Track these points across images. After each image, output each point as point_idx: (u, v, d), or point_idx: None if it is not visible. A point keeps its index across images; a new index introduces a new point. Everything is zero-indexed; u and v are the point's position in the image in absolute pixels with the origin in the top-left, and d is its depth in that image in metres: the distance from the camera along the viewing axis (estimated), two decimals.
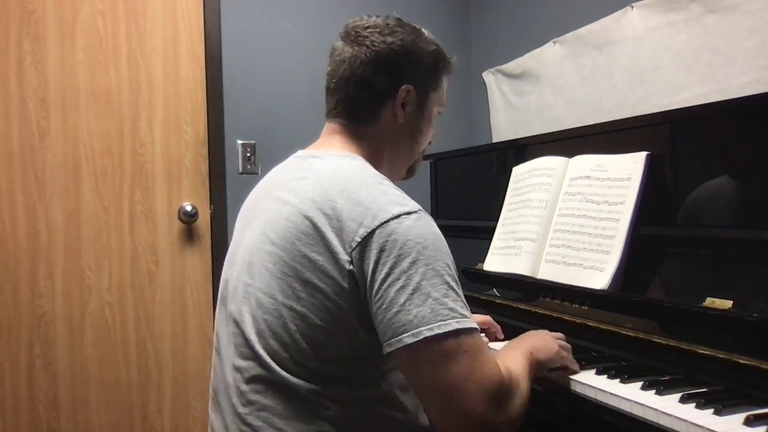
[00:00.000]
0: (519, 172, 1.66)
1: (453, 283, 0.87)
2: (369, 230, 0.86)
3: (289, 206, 0.94)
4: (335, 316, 0.88)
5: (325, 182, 0.93)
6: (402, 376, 0.95)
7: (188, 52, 2.25)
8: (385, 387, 0.95)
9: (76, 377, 2.12)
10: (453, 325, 0.83)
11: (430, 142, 1.16)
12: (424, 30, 1.09)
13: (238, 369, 0.95)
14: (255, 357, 0.93)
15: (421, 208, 0.91)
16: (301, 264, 0.89)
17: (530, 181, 1.58)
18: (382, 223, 0.86)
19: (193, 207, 2.24)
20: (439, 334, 0.82)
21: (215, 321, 1.09)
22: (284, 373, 0.90)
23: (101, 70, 2.14)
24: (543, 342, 1.07)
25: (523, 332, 1.16)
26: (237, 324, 0.97)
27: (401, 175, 1.14)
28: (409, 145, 1.09)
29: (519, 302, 1.49)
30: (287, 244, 0.91)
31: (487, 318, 1.40)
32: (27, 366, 2.06)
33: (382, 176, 0.97)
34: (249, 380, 0.93)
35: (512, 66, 2.38)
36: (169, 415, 2.24)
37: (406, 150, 1.09)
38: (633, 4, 1.80)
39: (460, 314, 0.85)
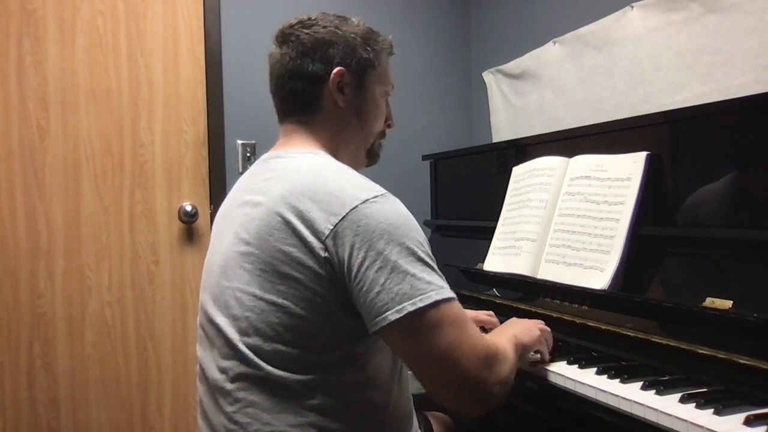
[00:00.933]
0: (519, 172, 1.66)
1: (427, 259, 0.91)
2: (340, 217, 0.88)
3: (260, 206, 0.96)
4: (315, 304, 0.90)
5: (291, 179, 0.96)
6: (385, 360, 0.99)
7: (188, 52, 2.25)
8: (369, 371, 0.96)
9: (76, 377, 2.11)
10: (433, 297, 0.87)
11: (389, 125, 1.16)
12: (353, 18, 1.11)
13: (222, 370, 0.96)
14: (238, 355, 0.94)
15: (386, 191, 0.94)
16: (277, 258, 0.91)
17: (530, 181, 1.58)
18: (352, 209, 0.89)
19: (193, 207, 2.24)
20: (421, 308, 0.86)
21: (197, 338, 1.09)
22: (269, 368, 0.92)
23: (101, 70, 2.14)
24: (525, 327, 1.12)
25: None
26: (216, 327, 0.98)
27: (362, 161, 1.15)
28: (358, 127, 1.09)
29: (519, 302, 1.50)
30: (261, 241, 0.93)
31: (492, 319, 1.40)
32: (27, 366, 2.06)
33: (345, 166, 1.00)
34: (234, 379, 0.94)
35: (512, 66, 2.38)
36: (169, 415, 2.24)
37: (356, 133, 1.10)
38: (633, 4, 1.80)
39: (438, 286, 0.89)
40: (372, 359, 0.97)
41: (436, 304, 0.87)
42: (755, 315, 0.98)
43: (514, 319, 1.18)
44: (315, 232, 0.89)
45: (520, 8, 2.39)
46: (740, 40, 1.50)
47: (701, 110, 1.29)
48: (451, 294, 0.90)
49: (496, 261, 1.60)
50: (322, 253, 0.89)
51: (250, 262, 0.95)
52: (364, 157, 1.15)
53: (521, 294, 1.52)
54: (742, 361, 0.96)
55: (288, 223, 0.91)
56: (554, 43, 2.14)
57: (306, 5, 2.40)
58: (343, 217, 0.88)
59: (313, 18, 1.08)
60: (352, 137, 1.10)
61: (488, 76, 2.54)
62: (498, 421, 1.63)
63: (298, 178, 0.95)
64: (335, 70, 1.04)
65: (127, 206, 2.18)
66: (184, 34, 2.24)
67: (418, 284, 0.87)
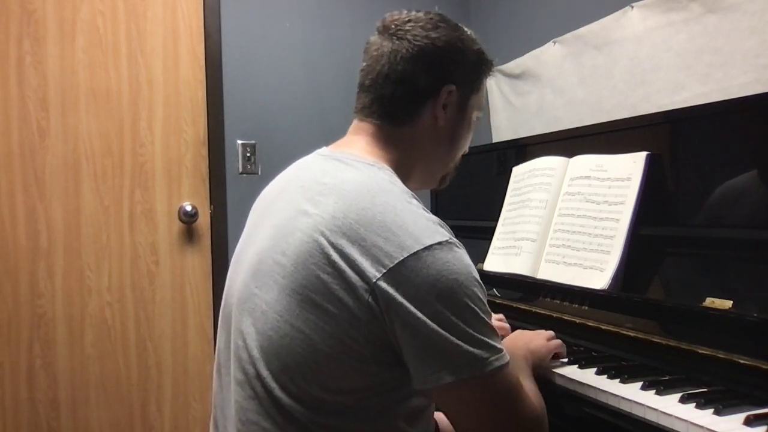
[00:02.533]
0: (519, 172, 1.66)
1: (486, 319, 0.83)
2: (396, 261, 0.78)
3: (307, 218, 0.86)
4: (345, 346, 0.81)
5: (347, 198, 0.85)
6: (408, 407, 0.90)
7: (188, 52, 2.25)
8: (389, 420, 0.88)
9: (76, 377, 2.12)
10: (494, 363, 0.81)
11: (465, 151, 1.08)
12: (466, 28, 1.01)
13: (239, 383, 0.89)
14: (257, 374, 0.87)
15: (450, 236, 0.85)
16: (313, 285, 0.81)
17: (530, 181, 1.58)
18: (411, 255, 0.79)
19: (193, 207, 2.24)
20: (479, 375, 0.80)
21: (217, 335, 1.03)
22: (283, 396, 0.84)
23: (101, 70, 2.14)
24: (538, 347, 1.10)
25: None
26: (242, 336, 0.90)
27: (435, 183, 1.07)
28: (447, 149, 1.01)
29: (519, 302, 1.49)
30: (299, 261, 0.83)
31: (503, 324, 1.35)
32: (27, 366, 2.06)
33: (410, 193, 0.89)
34: (249, 397, 0.87)
35: (512, 66, 2.37)
36: (169, 415, 2.24)
37: (443, 155, 1.01)
38: (633, 4, 1.80)
39: (497, 350, 0.82)
40: (395, 407, 0.88)
41: (497, 371, 0.81)
42: (755, 315, 0.98)
43: (517, 339, 1.14)
44: (362, 271, 0.79)
45: (520, 8, 2.39)
46: (740, 40, 1.50)
47: (701, 110, 1.29)
48: (507, 359, 0.83)
49: (496, 261, 1.60)
50: (366, 296, 0.79)
51: (282, 276, 0.85)
52: (438, 180, 1.06)
53: (521, 294, 1.52)
54: (742, 361, 0.95)
55: (334, 251, 0.81)
56: (554, 43, 2.14)
57: (306, 5, 2.42)
58: (400, 262, 0.78)
59: (433, 18, 0.95)
60: (438, 159, 1.01)
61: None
62: None
63: (355, 198, 0.84)
64: (446, 87, 0.94)
65: (127, 206, 2.18)
66: (184, 34, 2.24)
67: (477, 349, 0.79)
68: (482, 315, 0.82)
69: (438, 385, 0.80)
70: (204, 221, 2.27)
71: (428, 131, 0.96)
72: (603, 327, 1.23)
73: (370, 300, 0.79)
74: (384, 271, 0.78)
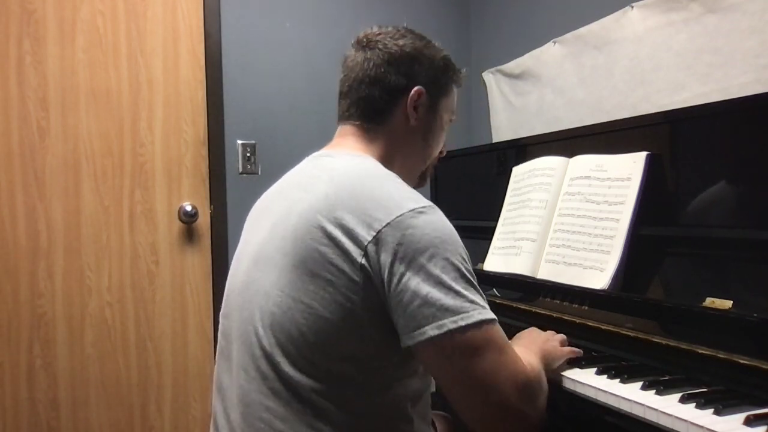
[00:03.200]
0: (519, 172, 1.66)
1: (470, 277, 0.88)
2: (384, 224, 0.86)
3: (302, 203, 0.94)
4: (345, 310, 0.87)
5: (338, 180, 0.94)
6: (411, 388, 0.95)
7: (188, 53, 2.25)
8: (393, 397, 0.93)
9: (76, 377, 2.12)
10: (476, 316, 0.84)
11: (441, 152, 1.17)
12: (435, 42, 1.11)
13: (244, 367, 0.94)
14: (263, 353, 0.91)
15: (433, 204, 0.91)
16: (311, 257, 0.88)
17: (530, 181, 1.58)
18: (397, 217, 0.86)
19: (193, 207, 2.24)
20: (463, 326, 0.83)
21: (220, 325, 1.08)
22: (289, 369, 0.89)
23: (101, 70, 2.14)
24: (551, 356, 1.09)
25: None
26: (247, 320, 0.95)
27: (414, 180, 1.14)
28: (421, 147, 1.10)
29: (519, 302, 1.49)
30: (297, 238, 0.91)
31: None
32: (27, 366, 2.06)
33: (393, 174, 0.97)
34: (254, 378, 0.92)
35: (512, 66, 2.38)
36: (169, 415, 2.24)
37: (418, 152, 1.10)
38: (633, 4, 1.80)
39: (481, 306, 0.86)
40: (396, 385, 0.93)
41: (479, 324, 0.84)
42: (755, 315, 0.98)
43: (533, 334, 1.15)
44: (355, 237, 0.86)
45: (520, 8, 2.39)
46: (740, 40, 1.50)
47: (701, 110, 1.29)
48: (493, 316, 0.87)
49: (496, 261, 1.60)
50: (360, 259, 0.86)
51: (282, 256, 0.92)
52: (417, 177, 1.14)
53: (521, 294, 1.52)
54: (742, 361, 0.95)
55: (329, 223, 0.88)
56: (554, 43, 2.14)
57: (306, 5, 2.42)
58: (387, 224, 0.86)
59: (401, 31, 1.07)
60: (413, 155, 1.10)
61: (488, 76, 2.54)
62: None
63: (345, 179, 0.94)
64: (416, 88, 1.04)
65: (127, 206, 2.18)
66: (184, 34, 2.24)
67: (461, 302, 0.84)
68: (465, 273, 0.87)
69: (423, 339, 0.83)
70: (204, 221, 2.27)
71: (402, 129, 1.06)
72: (603, 327, 1.23)
73: (363, 262, 0.85)
74: (374, 234, 0.85)
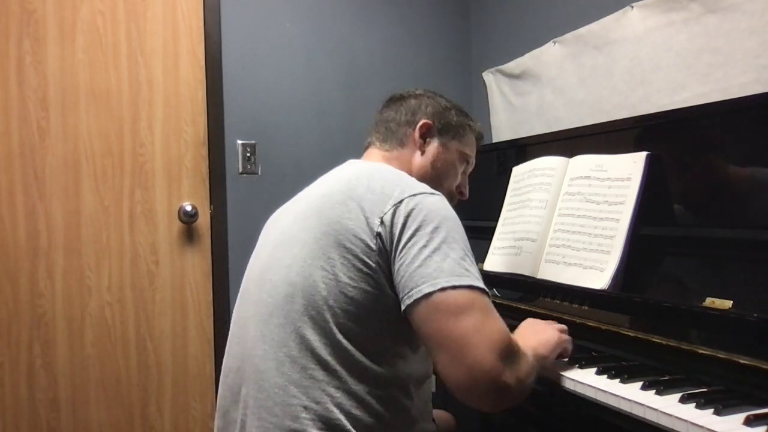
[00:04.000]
0: (519, 172, 1.66)
1: (469, 254, 0.97)
2: (398, 200, 0.97)
3: (325, 187, 1.08)
4: (363, 273, 0.96)
5: (359, 171, 1.08)
6: (414, 368, 1.02)
7: (188, 53, 2.25)
8: (400, 373, 1.00)
9: (76, 377, 2.12)
10: (468, 281, 0.92)
11: (461, 192, 1.30)
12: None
13: (261, 337, 1.00)
14: (283, 321, 0.98)
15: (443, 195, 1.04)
16: (334, 229, 0.98)
17: (530, 181, 1.58)
18: (410, 196, 0.98)
19: (193, 207, 2.24)
20: (456, 285, 0.90)
21: (235, 312, 1.14)
22: (310, 334, 0.96)
23: (101, 70, 2.14)
24: (545, 340, 1.10)
25: None
26: (267, 293, 1.03)
27: None
28: (430, 173, 1.22)
29: (519, 302, 1.49)
30: (321, 214, 1.01)
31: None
32: (27, 366, 2.06)
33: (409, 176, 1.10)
34: (271, 347, 0.98)
35: (512, 66, 2.38)
36: (169, 415, 2.24)
37: (428, 177, 1.20)
38: (633, 4, 1.80)
39: (476, 277, 0.94)
40: (404, 364, 1.00)
41: (471, 287, 0.92)
42: (755, 315, 0.98)
43: (530, 322, 1.18)
44: (375, 209, 0.97)
45: (520, 8, 2.39)
46: (740, 40, 1.50)
47: (701, 110, 1.29)
48: (485, 287, 0.94)
49: (496, 261, 1.60)
50: (376, 227, 0.96)
51: (306, 232, 1.02)
52: None
53: (521, 294, 1.52)
54: (742, 361, 0.96)
55: (351, 200, 1.00)
56: (554, 43, 2.14)
57: (306, 5, 2.42)
58: (402, 200, 0.97)
59: (419, 89, 1.29)
60: (423, 179, 1.16)
61: (488, 76, 2.54)
62: (497, 420, 1.64)
63: (366, 171, 1.07)
64: (422, 121, 1.22)
65: (127, 206, 2.18)
66: (184, 34, 2.24)
67: (456, 267, 0.92)
68: (465, 249, 0.96)
69: (419, 296, 0.91)
70: (204, 221, 2.27)
71: (413, 156, 1.22)
72: (603, 327, 1.23)
73: (379, 230, 0.96)
74: (390, 206, 0.97)
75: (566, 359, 1.16)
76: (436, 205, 0.98)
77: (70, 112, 2.11)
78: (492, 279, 1.59)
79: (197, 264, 2.27)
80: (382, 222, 0.96)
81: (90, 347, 2.13)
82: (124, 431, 2.18)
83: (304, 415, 0.93)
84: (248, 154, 2.33)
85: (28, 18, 2.05)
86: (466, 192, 1.32)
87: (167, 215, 2.23)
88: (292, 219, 1.09)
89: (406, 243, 0.94)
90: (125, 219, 2.18)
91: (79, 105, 2.12)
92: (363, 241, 0.96)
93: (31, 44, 2.06)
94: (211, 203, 2.28)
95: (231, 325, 1.13)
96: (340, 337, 0.95)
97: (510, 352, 0.90)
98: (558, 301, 1.38)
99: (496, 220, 1.66)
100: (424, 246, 0.93)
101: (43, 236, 2.07)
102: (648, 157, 1.27)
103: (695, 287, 1.15)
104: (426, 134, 1.22)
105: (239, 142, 2.32)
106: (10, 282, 2.04)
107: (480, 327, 0.89)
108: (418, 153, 1.22)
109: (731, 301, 1.02)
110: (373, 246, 0.96)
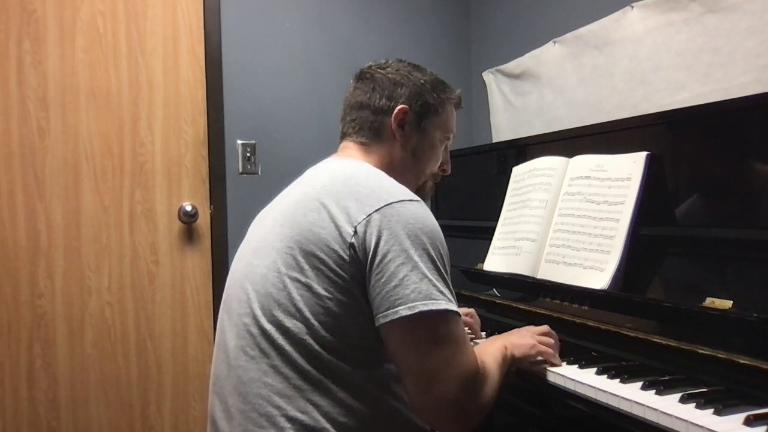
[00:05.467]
0: (519, 172, 1.66)
1: (444, 273, 0.95)
2: (374, 209, 0.94)
3: (301, 192, 1.05)
4: (337, 285, 0.94)
5: (335, 173, 1.04)
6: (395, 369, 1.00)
7: (188, 52, 2.25)
8: (384, 375, 0.99)
9: (76, 377, 2.11)
10: (444, 305, 0.91)
11: (444, 170, 1.24)
12: (426, 68, 1.21)
13: (243, 349, 0.99)
14: (262, 332, 0.97)
15: (422, 200, 1.00)
16: (306, 237, 0.96)
17: (530, 181, 1.58)
18: (387, 204, 0.95)
19: (193, 207, 2.24)
20: (433, 310, 0.90)
21: (219, 317, 1.12)
22: (288, 346, 0.94)
23: (101, 70, 2.14)
24: (520, 338, 1.14)
25: None
26: (244, 303, 1.01)
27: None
28: (411, 162, 1.16)
29: (519, 302, 1.50)
30: (294, 221, 0.99)
31: (471, 310, 1.43)
32: (27, 366, 2.06)
33: (387, 175, 1.05)
34: (253, 357, 0.97)
35: (512, 66, 2.38)
36: (169, 415, 2.24)
37: (410, 167, 1.17)
38: (633, 4, 1.80)
39: (449, 299, 0.93)
40: (386, 365, 0.99)
41: (446, 313, 0.91)
42: (755, 315, 0.98)
43: (516, 329, 1.20)
44: (348, 218, 0.95)
45: (520, 8, 2.39)
46: (740, 40, 1.50)
47: (701, 110, 1.29)
48: (457, 310, 0.94)
49: (496, 261, 1.60)
50: (349, 238, 0.93)
51: (279, 240, 1.00)
52: (414, 191, 1.17)
53: (521, 294, 1.52)
54: (742, 361, 0.96)
55: (325, 207, 0.97)
56: (554, 43, 2.14)
57: (306, 5, 2.42)
58: (378, 209, 0.94)
59: (389, 62, 1.19)
60: (404, 171, 1.16)
61: (488, 76, 2.54)
62: (497, 421, 1.63)
63: (342, 172, 1.04)
64: (399, 107, 1.13)
65: (127, 206, 2.18)
66: (184, 34, 2.24)
67: (433, 290, 0.91)
68: (440, 266, 0.95)
69: (395, 318, 0.90)
70: (204, 221, 2.27)
71: (391, 146, 1.15)
72: (603, 327, 1.23)
73: (352, 241, 0.94)
74: (364, 216, 0.94)
75: (564, 361, 1.16)
76: (416, 216, 0.95)
77: (70, 112, 2.11)
78: (492, 279, 1.59)
79: (197, 264, 2.27)
80: (355, 232, 0.93)
81: (90, 347, 2.13)
82: (123, 431, 2.18)
83: (289, 425, 0.93)
84: (248, 154, 2.33)
85: (28, 18, 2.05)
86: (449, 168, 1.26)
87: (167, 215, 2.23)
88: (270, 224, 1.06)
89: (382, 258, 0.92)
90: (125, 219, 2.18)
91: (79, 105, 2.12)
92: (335, 251, 0.94)
93: (31, 44, 2.06)
94: (211, 203, 2.28)
95: (216, 330, 1.12)
96: (318, 348, 0.94)
97: (476, 382, 0.94)
98: (558, 301, 1.38)
99: (496, 220, 1.66)
100: (402, 264, 0.91)
101: (43, 236, 2.07)
102: (648, 157, 1.27)
103: (695, 287, 1.15)
104: (403, 121, 1.13)
105: (239, 142, 2.32)
106: (10, 282, 2.04)
107: (451, 360, 0.91)
108: (398, 144, 1.14)
109: (731, 301, 1.02)
110: (346, 257, 0.93)
